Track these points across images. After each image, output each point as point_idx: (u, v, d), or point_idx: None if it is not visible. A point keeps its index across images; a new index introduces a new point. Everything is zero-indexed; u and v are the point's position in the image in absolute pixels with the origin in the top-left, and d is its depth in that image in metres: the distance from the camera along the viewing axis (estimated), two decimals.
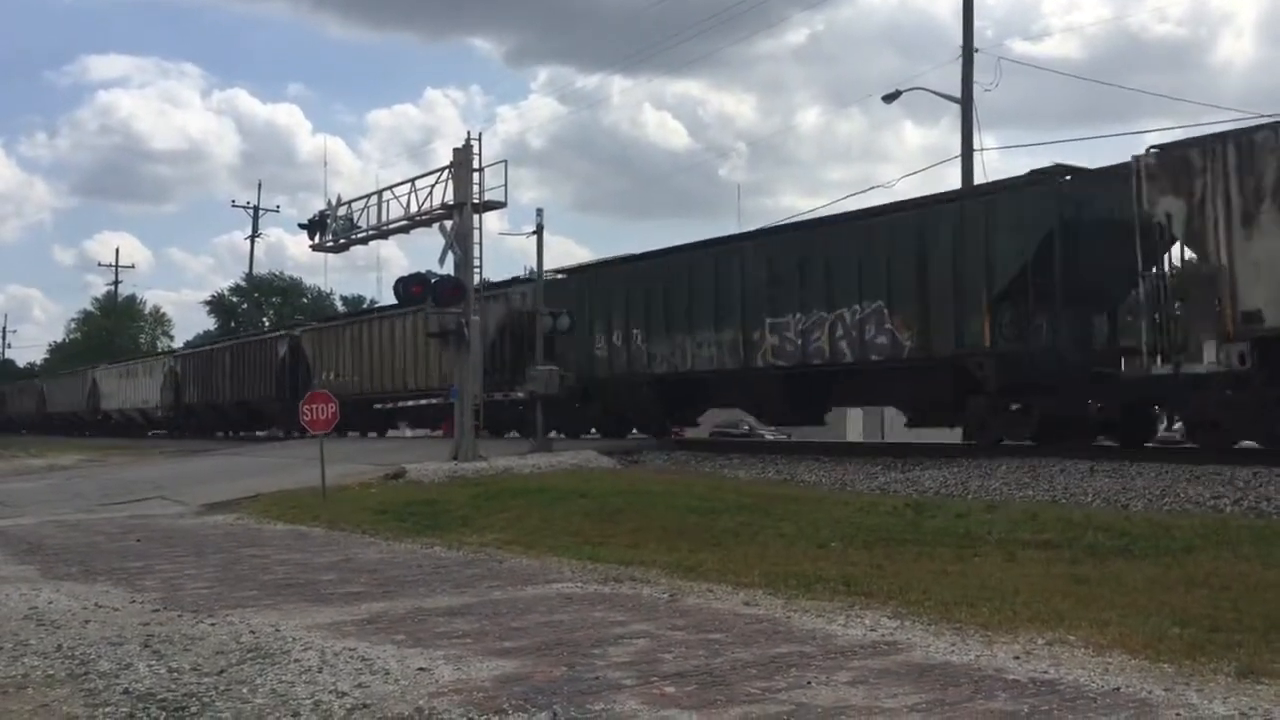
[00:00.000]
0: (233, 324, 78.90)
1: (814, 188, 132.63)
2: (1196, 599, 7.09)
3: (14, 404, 76.54)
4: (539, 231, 23.66)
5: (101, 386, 56.96)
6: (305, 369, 35.92)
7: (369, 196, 23.78)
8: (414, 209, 22.43)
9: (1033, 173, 16.93)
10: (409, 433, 35.47)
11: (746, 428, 35.55)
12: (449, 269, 21.19)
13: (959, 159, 27.57)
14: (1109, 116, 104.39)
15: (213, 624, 7.06)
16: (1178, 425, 16.01)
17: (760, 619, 6.92)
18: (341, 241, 24.75)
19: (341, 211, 24.34)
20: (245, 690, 5.29)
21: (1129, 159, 14.53)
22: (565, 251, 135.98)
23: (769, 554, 9.81)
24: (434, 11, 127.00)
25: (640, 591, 8.12)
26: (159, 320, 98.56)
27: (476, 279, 21.38)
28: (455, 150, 21.25)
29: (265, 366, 38.86)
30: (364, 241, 24.64)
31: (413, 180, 22.67)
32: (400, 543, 11.76)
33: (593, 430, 25.40)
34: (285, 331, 39.55)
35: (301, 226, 25.74)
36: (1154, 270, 14.37)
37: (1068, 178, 16.28)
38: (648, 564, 9.43)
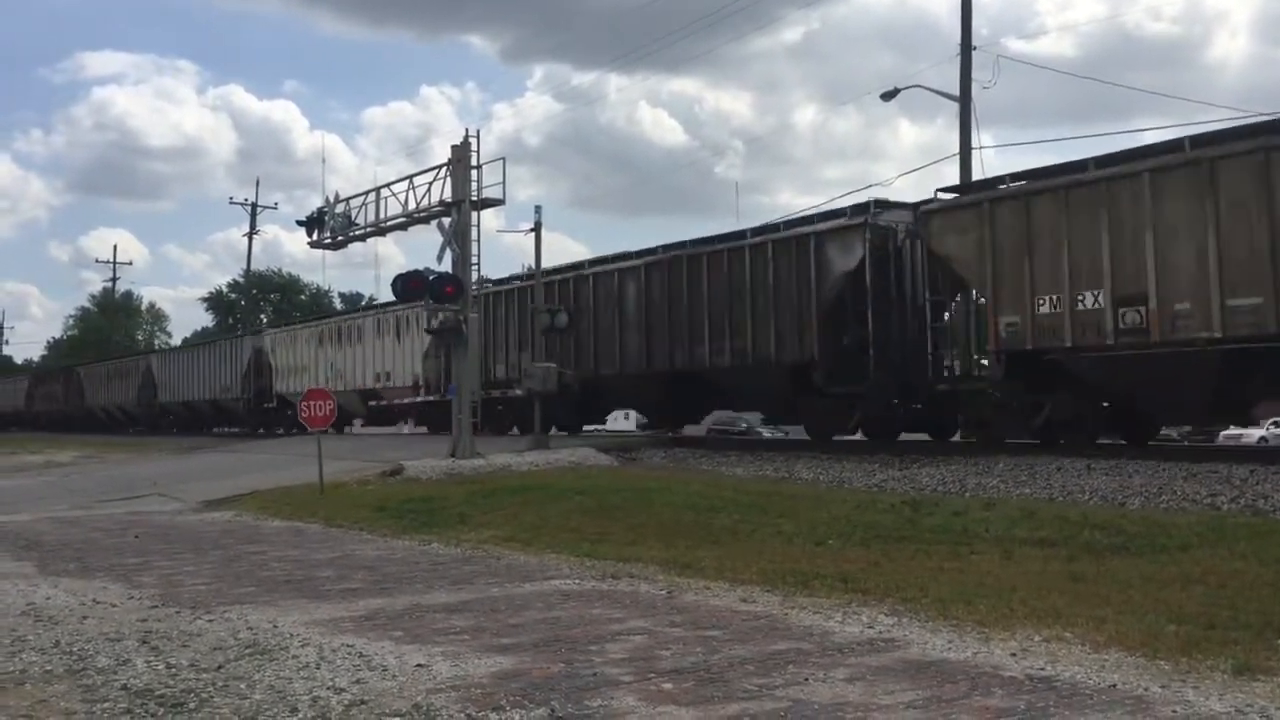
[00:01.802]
0: (231, 320, 78.79)
1: (810, 186, 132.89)
2: (1193, 596, 7.10)
3: (96, 392, 55.30)
4: (537, 229, 23.69)
5: (276, 359, 38.03)
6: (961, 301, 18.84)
7: (367, 194, 23.79)
8: (412, 206, 22.43)
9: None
10: None
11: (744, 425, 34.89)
12: (446, 266, 21.18)
13: (957, 157, 27.60)
14: (1104, 115, 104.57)
15: (211, 620, 7.06)
16: None
17: (757, 616, 6.93)
18: (339, 239, 24.73)
19: (339, 209, 24.33)
20: (243, 686, 5.29)
21: None
22: (561, 248, 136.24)
23: (766, 551, 9.82)
24: (429, 8, 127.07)
25: (638, 588, 8.13)
26: (156, 317, 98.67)
27: (475, 276, 21.38)
28: (453, 147, 21.25)
29: (804, 292, 19.27)
30: (362, 239, 24.62)
31: (410, 177, 22.68)
32: (398, 540, 11.76)
33: None
34: (844, 221, 19.09)
35: (299, 223, 25.74)
36: None
37: None
38: (645, 561, 9.44)
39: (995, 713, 4.68)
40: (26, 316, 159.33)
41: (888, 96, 29.68)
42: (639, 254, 23.60)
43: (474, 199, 21.12)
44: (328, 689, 5.19)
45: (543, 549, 10.48)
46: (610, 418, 30.99)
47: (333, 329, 35.32)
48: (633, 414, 32.52)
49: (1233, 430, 30.30)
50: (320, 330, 36.31)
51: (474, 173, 21.11)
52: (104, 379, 55.01)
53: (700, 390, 22.53)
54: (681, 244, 22.66)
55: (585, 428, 27.26)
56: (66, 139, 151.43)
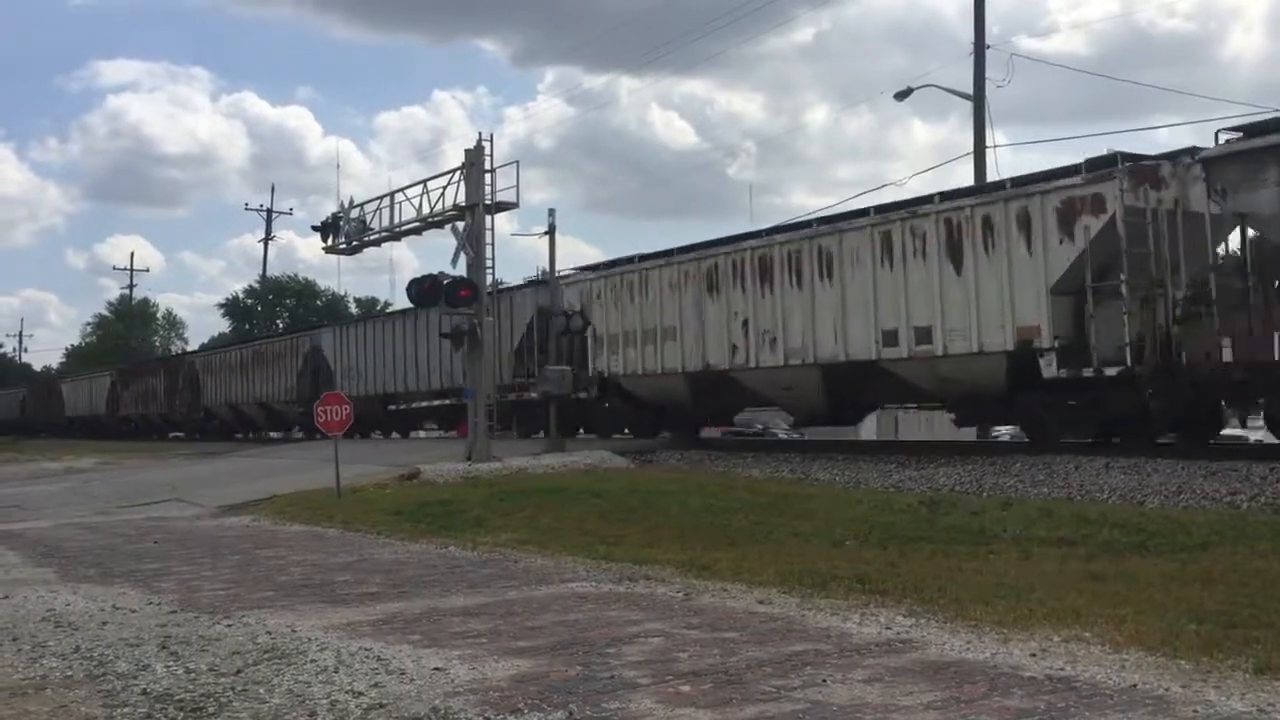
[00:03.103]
0: (248, 326, 79.03)
1: (822, 186, 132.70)
2: (1213, 595, 7.06)
3: (225, 387, 42.06)
4: (551, 232, 23.73)
5: (594, 322, 22.71)
6: None
7: (381, 198, 23.89)
8: (426, 210, 22.50)
9: None
10: None
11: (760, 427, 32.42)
12: (461, 270, 21.23)
13: (971, 156, 27.52)
14: (1118, 112, 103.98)
15: (229, 625, 7.09)
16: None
17: (775, 617, 6.91)
18: (354, 243, 24.84)
19: (354, 213, 24.44)
20: (262, 691, 5.31)
21: None
22: (574, 251, 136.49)
23: (783, 552, 9.80)
24: (440, 13, 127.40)
25: (655, 590, 8.12)
26: (172, 323, 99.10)
27: (489, 279, 21.43)
28: (467, 151, 21.31)
29: None
30: (377, 243, 24.74)
31: (424, 182, 22.76)
32: (415, 543, 11.79)
33: None
34: None
35: (314, 229, 25.87)
36: None
37: None
38: (662, 563, 9.43)
39: (1015, 713, 4.66)
40: (45, 324, 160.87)
41: (901, 96, 29.61)
42: None
43: (488, 203, 21.17)
44: (346, 693, 5.20)
45: (559, 552, 10.49)
46: None
47: (736, 261, 19.45)
48: None
49: None
50: (695, 267, 20.18)
51: (488, 176, 21.17)
52: (234, 370, 41.44)
53: None
54: None
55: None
56: (82, 147, 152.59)
